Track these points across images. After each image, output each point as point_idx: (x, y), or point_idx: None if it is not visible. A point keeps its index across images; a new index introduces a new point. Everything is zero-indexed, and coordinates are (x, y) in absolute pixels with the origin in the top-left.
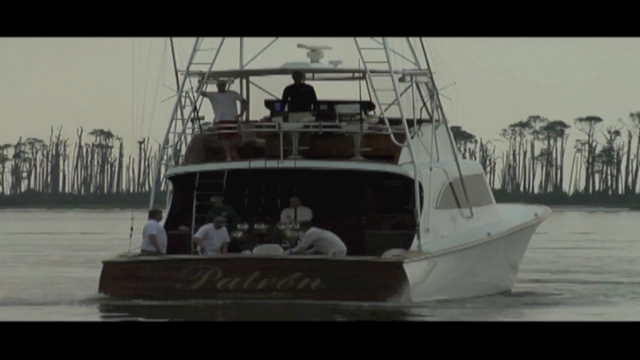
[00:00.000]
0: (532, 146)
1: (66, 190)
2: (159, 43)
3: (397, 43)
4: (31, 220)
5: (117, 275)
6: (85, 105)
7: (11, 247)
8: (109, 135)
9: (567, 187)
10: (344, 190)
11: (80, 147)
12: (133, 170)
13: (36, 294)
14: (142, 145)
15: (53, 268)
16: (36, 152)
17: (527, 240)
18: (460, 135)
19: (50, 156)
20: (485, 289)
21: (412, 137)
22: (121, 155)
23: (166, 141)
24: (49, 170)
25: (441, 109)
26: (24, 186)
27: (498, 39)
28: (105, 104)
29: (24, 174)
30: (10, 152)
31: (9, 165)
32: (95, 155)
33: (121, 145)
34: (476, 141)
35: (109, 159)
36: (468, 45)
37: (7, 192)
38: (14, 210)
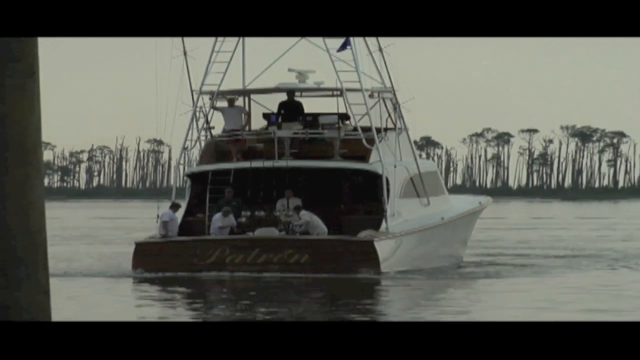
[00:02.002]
0: (485, 151)
1: (127, 186)
2: (177, 68)
3: (366, 66)
4: (100, 209)
5: (147, 253)
6: (141, 119)
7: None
8: (160, 142)
9: (512, 183)
10: (326, 184)
11: (138, 152)
12: (179, 170)
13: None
14: (185, 151)
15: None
16: (105, 156)
17: (474, 222)
18: (430, 143)
19: (115, 159)
20: (441, 261)
21: (379, 142)
22: (170, 158)
23: (184, 146)
24: (115, 170)
25: (403, 119)
26: (95, 182)
27: (461, 58)
28: (156, 118)
29: (95, 173)
30: (84, 156)
31: (83, 166)
32: (150, 159)
33: (170, 150)
34: (442, 147)
35: (161, 161)
36: (434, 63)
37: (82, 186)
38: (87, 200)
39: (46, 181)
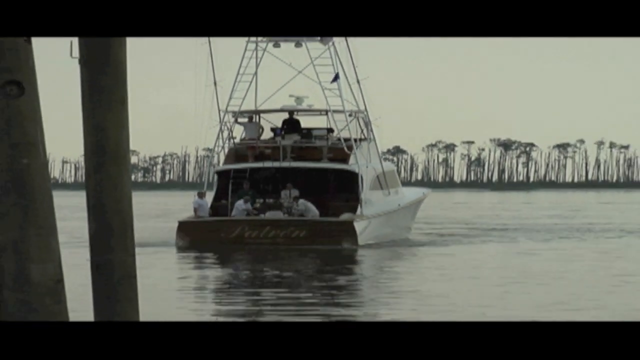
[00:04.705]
0: (438, 157)
1: (189, 181)
2: (209, 94)
3: (347, 93)
4: (169, 197)
5: (187, 229)
6: (198, 134)
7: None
8: (212, 150)
9: (457, 178)
10: (317, 179)
11: (197, 157)
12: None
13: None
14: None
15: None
16: (173, 160)
17: (419, 206)
18: (399, 150)
19: (181, 162)
20: (398, 234)
21: (356, 149)
22: (218, 161)
23: (214, 151)
24: (180, 169)
25: (372, 132)
26: (167, 178)
27: (423, 86)
28: (194, 131)
29: (167, 172)
30: (159, 160)
31: (159, 167)
32: (205, 161)
33: (218, 156)
34: (407, 154)
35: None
36: (404, 91)
37: (158, 181)
38: (161, 191)
39: (132, 177)
